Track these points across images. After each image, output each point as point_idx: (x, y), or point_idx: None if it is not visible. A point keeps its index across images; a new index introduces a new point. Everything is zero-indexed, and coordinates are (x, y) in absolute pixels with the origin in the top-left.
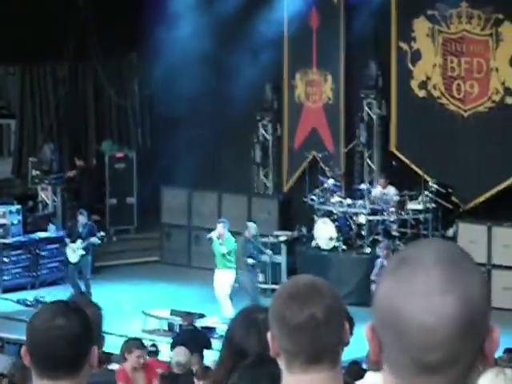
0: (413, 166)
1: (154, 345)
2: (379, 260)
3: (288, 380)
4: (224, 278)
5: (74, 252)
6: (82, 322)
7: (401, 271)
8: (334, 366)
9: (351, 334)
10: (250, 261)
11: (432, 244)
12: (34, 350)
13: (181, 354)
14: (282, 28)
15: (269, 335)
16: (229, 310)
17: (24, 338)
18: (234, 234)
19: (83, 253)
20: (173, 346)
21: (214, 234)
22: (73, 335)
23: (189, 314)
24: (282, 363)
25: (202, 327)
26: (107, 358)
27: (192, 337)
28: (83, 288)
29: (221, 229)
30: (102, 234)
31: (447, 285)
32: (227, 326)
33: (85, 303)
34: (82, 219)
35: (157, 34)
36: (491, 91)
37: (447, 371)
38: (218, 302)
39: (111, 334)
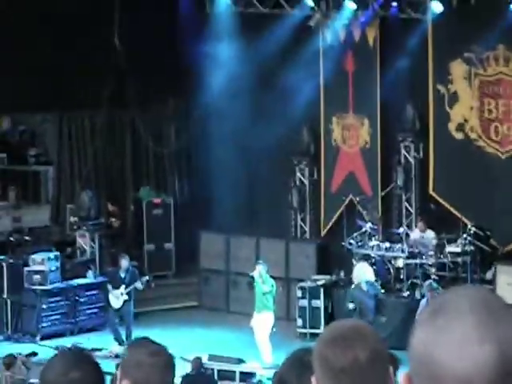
0: (451, 209)
1: None
2: (424, 300)
3: None
4: (264, 322)
5: (118, 298)
6: (96, 374)
7: (435, 319)
8: None
9: (395, 375)
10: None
11: (466, 291)
12: None
13: None
14: (318, 71)
15: (313, 379)
16: (268, 355)
17: None
18: (273, 278)
19: (127, 298)
20: None
21: (255, 273)
22: None
23: (197, 358)
24: None
25: (241, 372)
26: None
27: (193, 381)
28: (124, 334)
29: (259, 269)
30: (147, 278)
31: (483, 333)
32: (277, 369)
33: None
34: (124, 264)
35: (195, 81)
36: None
37: None
38: (257, 347)
39: None
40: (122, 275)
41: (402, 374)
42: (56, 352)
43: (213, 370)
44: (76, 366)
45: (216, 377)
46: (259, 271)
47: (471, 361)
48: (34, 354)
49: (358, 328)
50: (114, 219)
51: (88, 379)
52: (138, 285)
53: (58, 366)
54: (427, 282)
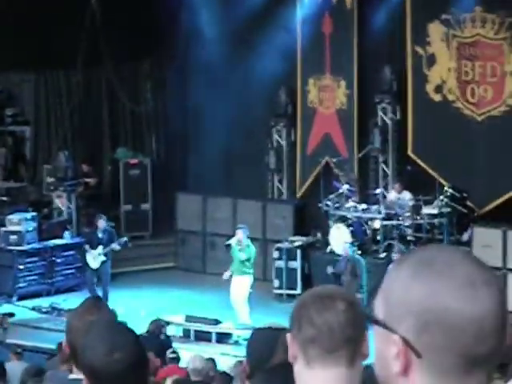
0: (428, 170)
1: (174, 351)
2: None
3: (306, 377)
4: (242, 285)
5: (95, 258)
6: (138, 348)
7: (433, 269)
8: (353, 363)
9: None
10: None
11: (441, 247)
12: (96, 379)
13: (197, 361)
14: (295, 33)
15: (288, 337)
16: (246, 317)
17: (40, 345)
18: (250, 239)
19: (104, 259)
20: None
21: (233, 241)
22: (133, 365)
23: (157, 320)
24: (299, 365)
25: (218, 333)
26: None
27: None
28: (100, 294)
29: (240, 235)
30: (125, 239)
31: (488, 276)
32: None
33: (100, 308)
34: (101, 224)
35: (171, 40)
36: (506, 95)
37: (488, 364)
38: (234, 309)
39: None
40: (100, 235)
41: (390, 341)
42: (93, 324)
43: (189, 330)
44: (121, 347)
45: (193, 337)
46: (239, 238)
47: (481, 302)
48: (11, 314)
49: (334, 289)
50: (89, 179)
51: (133, 356)
52: (116, 246)
53: (101, 346)
54: (398, 248)
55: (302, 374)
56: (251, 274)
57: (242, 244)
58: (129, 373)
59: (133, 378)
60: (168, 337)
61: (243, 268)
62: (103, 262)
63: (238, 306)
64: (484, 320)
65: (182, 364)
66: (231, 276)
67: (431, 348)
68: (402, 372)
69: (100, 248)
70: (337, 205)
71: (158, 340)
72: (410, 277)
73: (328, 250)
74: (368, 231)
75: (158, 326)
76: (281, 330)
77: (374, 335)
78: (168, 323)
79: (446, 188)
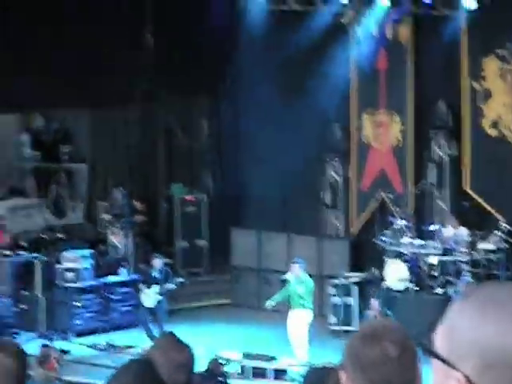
0: (485, 206)
1: None
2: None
3: None
4: (300, 319)
5: (150, 297)
6: None
7: (505, 310)
8: None
9: None
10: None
11: (507, 285)
12: None
13: None
14: (349, 69)
15: (342, 375)
16: (304, 352)
17: (95, 382)
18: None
19: (160, 298)
20: None
21: (289, 275)
22: None
23: (216, 360)
24: None
25: (275, 370)
26: None
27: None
28: (156, 332)
29: (297, 269)
30: (181, 280)
31: None
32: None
33: (174, 344)
34: (157, 264)
35: (226, 75)
36: None
37: None
38: (290, 344)
39: None
40: (155, 275)
41: (453, 377)
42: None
43: (246, 367)
44: (142, 380)
45: (250, 374)
46: (295, 272)
47: None
48: (66, 351)
49: (387, 325)
50: (140, 216)
51: None
52: (171, 286)
53: (123, 379)
54: (464, 281)
55: None
56: (310, 309)
57: (299, 278)
58: None
59: None
60: (225, 376)
61: (302, 302)
62: (159, 301)
63: (296, 340)
64: None
65: None
66: (274, 306)
67: None
68: None
69: (156, 287)
70: (393, 241)
71: (216, 379)
72: (480, 315)
73: (384, 286)
74: (424, 267)
75: (218, 365)
76: (334, 368)
77: (433, 369)
78: (228, 361)
79: (502, 223)
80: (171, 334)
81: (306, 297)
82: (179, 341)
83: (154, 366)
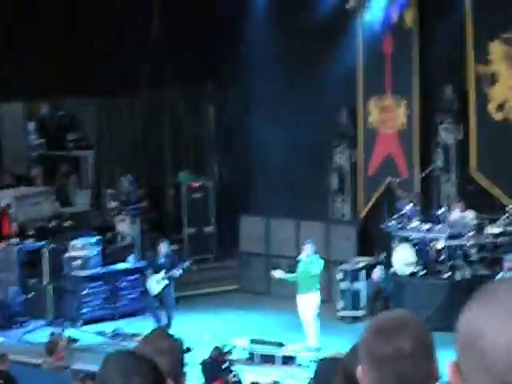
0: (492, 189)
1: (235, 375)
2: (501, 273)
3: None
4: (310, 303)
5: (158, 283)
6: (156, 374)
7: (484, 301)
8: None
9: None
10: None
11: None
12: None
13: None
14: (355, 54)
15: (359, 370)
16: (314, 338)
17: None
18: None
19: (167, 283)
20: None
21: (302, 256)
22: None
23: (217, 348)
24: None
25: (283, 356)
26: None
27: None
28: (164, 318)
29: (309, 249)
30: (187, 264)
31: None
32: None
33: (164, 336)
34: (164, 249)
35: (233, 62)
36: None
37: None
38: (298, 330)
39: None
40: (162, 260)
41: (448, 363)
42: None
43: (252, 353)
44: (138, 373)
45: (258, 360)
46: (307, 252)
47: None
48: (75, 340)
49: (402, 318)
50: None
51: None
52: (177, 272)
53: (119, 371)
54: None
55: None
56: (319, 290)
57: (311, 258)
58: None
59: None
60: (230, 363)
61: (312, 283)
62: (166, 286)
63: (308, 325)
64: None
65: None
66: (281, 277)
67: (470, 372)
68: None
69: (162, 273)
70: (400, 225)
71: (219, 367)
72: (471, 305)
73: (392, 270)
74: (431, 251)
75: (220, 353)
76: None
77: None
78: (234, 347)
79: (509, 207)
80: (161, 327)
81: (316, 278)
82: (167, 333)
83: (138, 356)
